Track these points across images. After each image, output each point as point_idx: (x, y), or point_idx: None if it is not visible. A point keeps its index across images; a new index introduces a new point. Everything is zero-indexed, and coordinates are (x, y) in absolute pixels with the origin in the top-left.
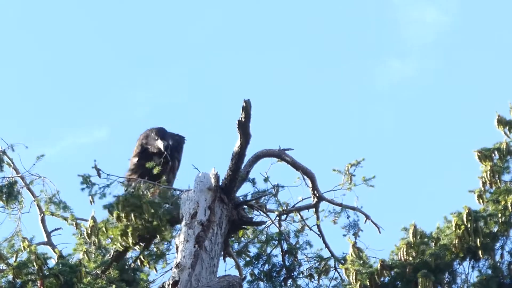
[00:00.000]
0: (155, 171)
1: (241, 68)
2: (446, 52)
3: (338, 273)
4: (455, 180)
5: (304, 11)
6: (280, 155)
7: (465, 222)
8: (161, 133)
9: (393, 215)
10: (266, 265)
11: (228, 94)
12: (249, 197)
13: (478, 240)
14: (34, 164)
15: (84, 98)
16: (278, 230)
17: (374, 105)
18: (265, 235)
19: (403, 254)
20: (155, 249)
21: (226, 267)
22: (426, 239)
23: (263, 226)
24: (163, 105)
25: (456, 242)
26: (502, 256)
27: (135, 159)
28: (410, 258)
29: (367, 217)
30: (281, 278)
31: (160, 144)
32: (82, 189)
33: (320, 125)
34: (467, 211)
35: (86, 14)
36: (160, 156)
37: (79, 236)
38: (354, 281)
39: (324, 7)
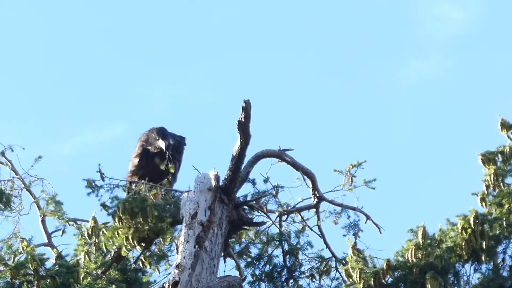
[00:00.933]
0: (162, 166)
1: (256, 67)
2: (469, 50)
3: (339, 273)
4: (457, 182)
5: (321, 10)
6: (280, 155)
7: (472, 226)
8: (162, 133)
9: (393, 216)
10: (267, 265)
11: (238, 93)
12: (249, 198)
13: (484, 243)
14: (32, 166)
15: (102, 94)
16: (278, 231)
17: (387, 105)
18: (266, 236)
19: (410, 256)
20: (156, 250)
21: (227, 268)
22: (429, 241)
23: (264, 226)
24: (180, 102)
25: (463, 245)
26: (504, 260)
27: (136, 160)
28: (415, 260)
29: (368, 217)
30: (283, 279)
31: (161, 144)
32: (88, 193)
33: (328, 125)
34: (474, 214)
35: (106, 11)
36: (161, 156)
37: (80, 237)
38: (358, 279)
39: (342, 5)
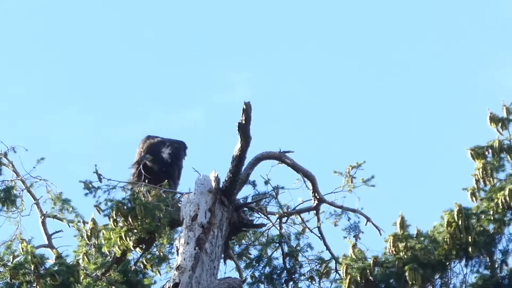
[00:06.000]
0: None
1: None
2: None
3: (339, 275)
4: (457, 180)
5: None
6: (280, 157)
7: (456, 219)
8: (150, 147)
9: (394, 217)
10: (267, 267)
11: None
12: (249, 200)
13: (469, 237)
14: (34, 167)
15: (181, 78)
16: (278, 233)
17: (384, 103)
18: (266, 238)
19: (390, 246)
20: (157, 252)
21: (227, 270)
22: (422, 238)
23: (264, 228)
24: (262, 90)
25: (448, 239)
26: (494, 254)
27: (134, 169)
28: (401, 253)
29: (368, 219)
30: (282, 281)
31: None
32: (86, 194)
33: (329, 126)
34: (457, 208)
35: None
36: (159, 164)
37: (80, 238)
38: (344, 275)
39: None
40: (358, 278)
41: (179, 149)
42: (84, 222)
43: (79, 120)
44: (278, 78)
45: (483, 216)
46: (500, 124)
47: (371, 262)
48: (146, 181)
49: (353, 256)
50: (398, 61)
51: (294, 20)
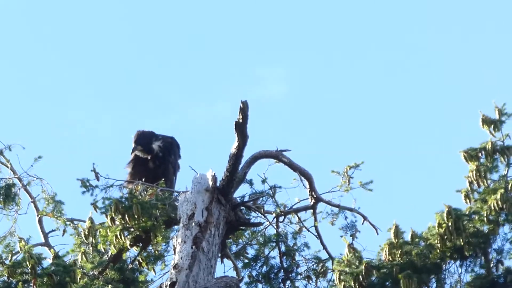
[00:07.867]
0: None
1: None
2: None
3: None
4: (453, 180)
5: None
6: (277, 156)
7: (446, 221)
8: (140, 138)
9: (391, 216)
10: (264, 266)
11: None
12: (246, 198)
13: (461, 238)
14: (32, 166)
15: (212, 72)
16: (275, 232)
17: (386, 97)
18: (263, 237)
19: (386, 255)
20: (153, 250)
21: (225, 269)
22: (417, 239)
23: (261, 227)
24: (297, 86)
25: (438, 241)
26: (489, 253)
27: (129, 169)
28: (397, 259)
29: (365, 218)
30: (280, 280)
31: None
32: (83, 192)
33: (326, 125)
34: (447, 209)
35: None
36: (153, 161)
37: (76, 236)
38: (338, 282)
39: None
40: (352, 284)
41: (171, 143)
42: (72, 222)
43: (104, 114)
44: (311, 76)
45: (476, 217)
46: (492, 126)
47: (363, 268)
48: (143, 179)
49: (348, 258)
50: (398, 61)
51: (320, 19)
